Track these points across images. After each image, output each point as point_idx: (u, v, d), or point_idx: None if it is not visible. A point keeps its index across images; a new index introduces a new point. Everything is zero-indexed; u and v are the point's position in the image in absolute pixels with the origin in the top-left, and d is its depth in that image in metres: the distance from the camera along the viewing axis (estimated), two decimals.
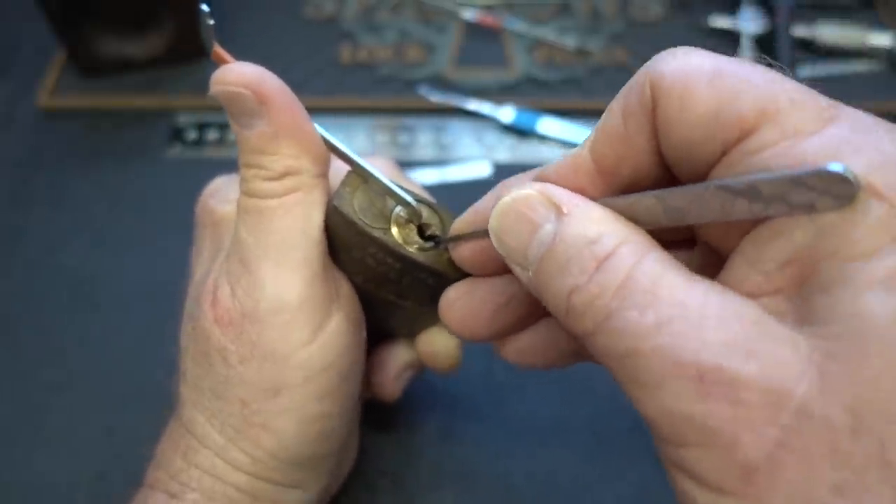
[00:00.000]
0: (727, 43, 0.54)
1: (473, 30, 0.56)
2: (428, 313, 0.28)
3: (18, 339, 0.41)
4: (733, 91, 0.16)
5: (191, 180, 0.48)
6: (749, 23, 0.54)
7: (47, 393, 0.38)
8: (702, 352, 0.15)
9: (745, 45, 0.53)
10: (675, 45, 0.18)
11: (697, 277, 0.17)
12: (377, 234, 0.24)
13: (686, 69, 0.17)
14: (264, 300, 0.24)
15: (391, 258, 0.25)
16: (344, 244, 0.25)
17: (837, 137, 0.15)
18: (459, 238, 0.24)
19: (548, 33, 0.55)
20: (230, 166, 0.48)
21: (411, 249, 0.25)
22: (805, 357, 0.15)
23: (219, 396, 0.25)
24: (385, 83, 0.53)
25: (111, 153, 0.49)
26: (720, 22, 0.55)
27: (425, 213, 0.25)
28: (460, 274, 0.25)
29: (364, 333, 0.27)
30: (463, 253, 0.24)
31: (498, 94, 0.52)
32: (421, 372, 0.33)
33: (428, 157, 0.49)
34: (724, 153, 0.17)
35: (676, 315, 0.16)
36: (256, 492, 0.25)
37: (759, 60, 0.17)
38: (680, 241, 0.21)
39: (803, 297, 0.15)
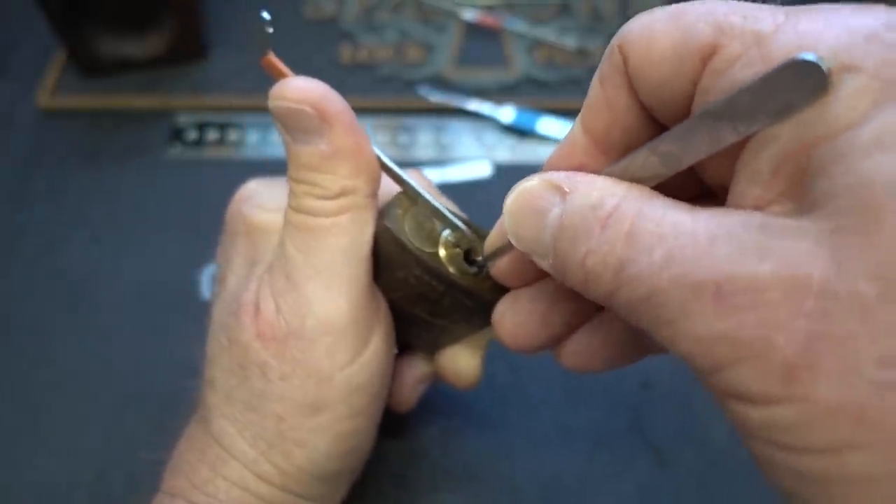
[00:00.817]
0: None
1: (473, 30, 0.56)
2: (454, 331, 0.28)
3: (17, 338, 0.41)
4: (690, 23, 0.17)
5: (191, 180, 0.48)
6: None
7: (46, 393, 0.38)
8: (714, 267, 0.15)
9: None
10: None
11: (700, 209, 0.16)
12: (427, 258, 0.24)
13: (647, 20, 0.18)
14: (311, 319, 0.24)
15: (436, 281, 0.25)
16: (389, 263, 0.25)
17: (797, 29, 0.15)
18: (496, 255, 0.23)
19: (548, 33, 0.55)
20: (230, 166, 0.48)
21: (456, 273, 0.25)
22: (815, 239, 0.14)
23: (253, 409, 0.25)
24: (385, 83, 0.53)
25: (111, 153, 0.49)
26: None
27: (472, 237, 0.25)
28: (503, 297, 0.25)
29: (396, 350, 0.27)
30: (500, 267, 0.24)
31: (498, 94, 0.52)
32: (434, 384, 0.33)
33: (428, 157, 0.49)
34: (694, 83, 0.17)
35: (685, 243, 0.16)
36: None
37: None
38: (700, 195, 0.21)
39: (804, 190, 0.15)
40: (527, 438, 0.36)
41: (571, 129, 0.20)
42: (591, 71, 0.55)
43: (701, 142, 0.16)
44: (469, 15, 0.56)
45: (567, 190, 0.19)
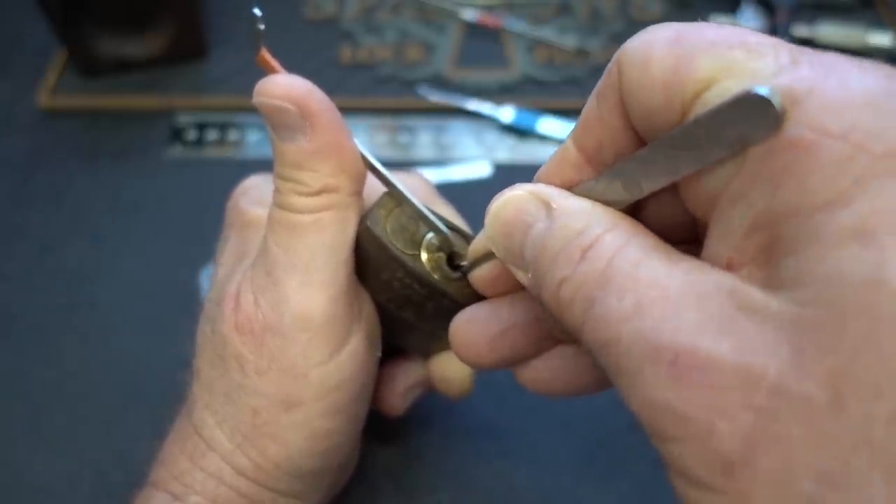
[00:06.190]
0: None
1: (473, 30, 0.56)
2: (444, 337, 0.28)
3: (18, 338, 0.41)
4: (690, 51, 0.16)
5: (190, 180, 0.48)
6: (749, 22, 0.54)
7: (47, 393, 0.38)
8: (678, 333, 0.14)
9: None
10: None
11: (680, 257, 0.16)
12: (407, 260, 0.24)
13: (647, 40, 0.17)
14: (288, 315, 0.24)
15: (417, 284, 0.24)
16: (372, 265, 0.25)
17: (793, 79, 0.14)
18: (479, 262, 0.23)
19: (548, 33, 0.55)
20: (230, 166, 0.48)
21: (438, 278, 0.24)
22: (779, 326, 0.13)
23: (231, 402, 0.25)
24: (385, 83, 0.53)
25: (111, 153, 0.49)
26: (720, 22, 0.55)
27: (457, 242, 0.25)
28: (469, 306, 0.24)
29: (379, 353, 0.27)
30: (480, 275, 0.23)
31: (498, 94, 0.52)
32: (427, 390, 0.33)
33: (428, 157, 0.49)
34: (685, 114, 0.16)
35: (656, 297, 0.15)
36: (257, 498, 0.25)
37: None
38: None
39: (776, 260, 0.14)
40: (525, 439, 0.36)
41: (564, 141, 0.20)
42: (592, 71, 0.55)
43: (660, 170, 0.16)
44: (469, 15, 0.56)
45: (554, 206, 0.18)
